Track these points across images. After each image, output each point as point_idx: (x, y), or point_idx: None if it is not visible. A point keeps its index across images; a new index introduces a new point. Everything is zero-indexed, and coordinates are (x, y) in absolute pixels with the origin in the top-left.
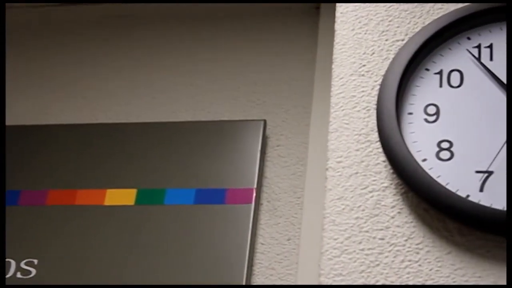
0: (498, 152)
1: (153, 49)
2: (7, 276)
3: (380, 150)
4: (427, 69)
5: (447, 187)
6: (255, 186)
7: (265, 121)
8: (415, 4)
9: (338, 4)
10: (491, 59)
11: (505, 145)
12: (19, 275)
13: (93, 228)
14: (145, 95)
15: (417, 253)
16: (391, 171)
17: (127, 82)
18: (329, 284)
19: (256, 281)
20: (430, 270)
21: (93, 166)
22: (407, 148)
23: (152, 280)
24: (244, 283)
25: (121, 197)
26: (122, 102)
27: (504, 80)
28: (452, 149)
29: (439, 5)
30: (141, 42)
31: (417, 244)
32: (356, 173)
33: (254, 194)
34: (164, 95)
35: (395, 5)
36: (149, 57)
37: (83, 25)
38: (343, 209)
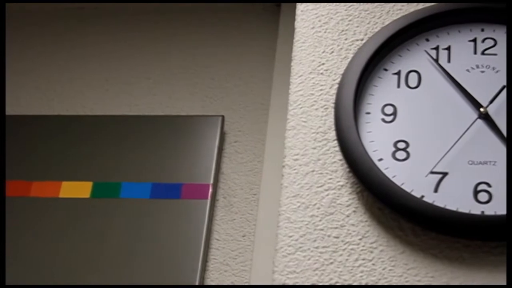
0: (453, 154)
1: (110, 41)
2: None
3: (337, 148)
4: (386, 69)
5: (402, 187)
6: (211, 181)
7: (223, 117)
8: (375, 4)
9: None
10: (448, 61)
11: (459, 146)
12: None
13: (48, 220)
14: (101, 88)
15: (371, 252)
16: (348, 170)
17: (82, 73)
18: (282, 281)
19: (210, 276)
20: (384, 269)
21: (48, 158)
22: (363, 147)
23: (106, 273)
24: (198, 279)
25: (77, 189)
26: (77, 94)
27: (461, 81)
28: (408, 149)
29: (398, 5)
30: (98, 34)
31: (371, 243)
32: (313, 171)
33: (210, 190)
34: (120, 88)
35: (355, 4)
36: (105, 49)
37: (38, 17)
38: (299, 206)
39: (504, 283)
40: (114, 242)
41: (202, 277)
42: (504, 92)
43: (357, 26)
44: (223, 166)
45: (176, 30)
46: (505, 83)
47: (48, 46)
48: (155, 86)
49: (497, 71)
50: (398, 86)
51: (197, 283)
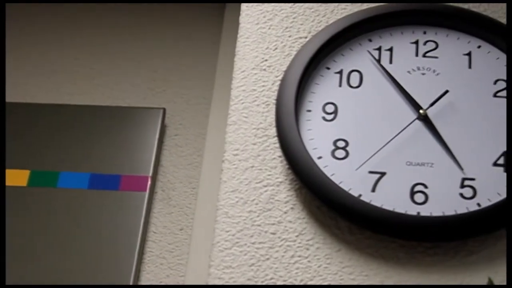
0: (392, 154)
1: (53, 30)
2: None
3: (277, 145)
4: (328, 68)
5: (340, 185)
6: (150, 174)
7: (164, 109)
8: (320, 2)
9: None
10: (390, 62)
11: (397, 147)
12: None
13: None
14: (41, 76)
15: (307, 249)
16: (287, 166)
17: (25, 61)
18: (218, 275)
19: (146, 269)
20: (319, 266)
21: None
22: (303, 145)
23: (41, 263)
24: (133, 271)
25: (14, 177)
26: (18, 82)
27: (402, 83)
28: (347, 148)
29: (343, 5)
30: (41, 23)
31: (307, 240)
32: (252, 166)
33: (149, 182)
34: (61, 77)
35: (300, 2)
36: (48, 38)
37: None
38: (237, 202)
39: (438, 283)
40: (51, 231)
41: (138, 270)
42: (446, 96)
43: (301, 24)
44: (163, 159)
45: (121, 21)
46: (447, 87)
47: None
48: (98, 76)
49: (437, 74)
50: (340, 85)
51: (132, 275)
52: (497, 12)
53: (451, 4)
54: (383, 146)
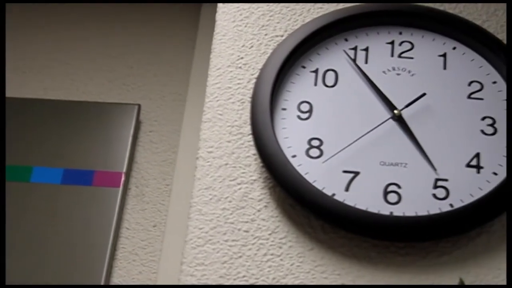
0: (366, 154)
1: (29, 25)
2: None
3: (252, 143)
4: (304, 67)
5: (314, 184)
6: (124, 170)
7: (139, 105)
8: (297, 2)
9: None
10: (366, 61)
11: (371, 147)
12: None
13: None
14: (16, 70)
15: (280, 247)
16: (261, 164)
17: None
18: (190, 272)
19: (118, 265)
20: (292, 265)
21: None
22: (278, 143)
23: (14, 258)
24: (105, 267)
25: None
26: None
27: (377, 83)
28: (322, 147)
29: (319, 4)
30: (17, 18)
31: (280, 239)
32: (226, 164)
33: (123, 178)
34: (38, 72)
35: (277, 2)
36: (24, 32)
37: None
38: (211, 199)
39: (410, 283)
40: (24, 226)
41: (110, 266)
42: (423, 99)
43: (278, 22)
44: (137, 155)
45: (96, 17)
46: (422, 87)
47: None
48: (73, 71)
49: (412, 75)
50: (315, 84)
51: (104, 272)
52: (472, 14)
53: (427, 5)
54: (354, 141)
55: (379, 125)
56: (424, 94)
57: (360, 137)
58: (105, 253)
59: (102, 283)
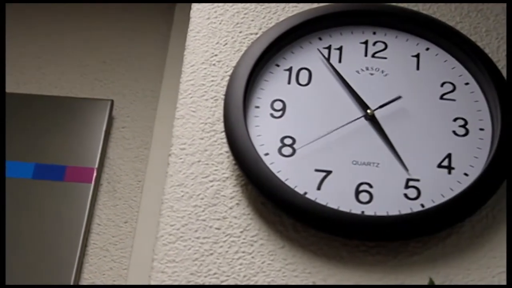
0: (338, 153)
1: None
2: None
3: (224, 140)
4: (277, 65)
5: (286, 182)
6: (96, 165)
7: (112, 101)
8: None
9: None
10: (340, 61)
11: (344, 146)
12: None
13: None
14: None
15: (251, 245)
16: (233, 162)
17: None
18: (161, 269)
19: (89, 261)
20: (263, 263)
21: None
22: (250, 141)
23: None
24: (76, 263)
25: None
26: None
27: (350, 82)
28: (294, 145)
29: (294, 3)
30: None
31: (252, 237)
32: (199, 161)
33: (95, 174)
34: (9, 66)
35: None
36: None
37: None
38: (182, 196)
39: (380, 282)
40: None
41: (81, 261)
42: (398, 102)
43: (252, 20)
44: (109, 151)
45: (69, 10)
46: (395, 88)
47: None
48: (46, 65)
49: (386, 75)
50: (289, 82)
51: (75, 267)
52: (446, 15)
53: (402, 5)
54: (325, 135)
55: (351, 122)
56: (399, 97)
57: (331, 132)
58: (76, 249)
59: (72, 278)
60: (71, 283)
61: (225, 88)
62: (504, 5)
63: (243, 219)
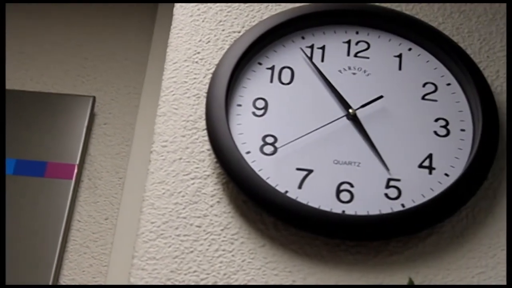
0: (320, 152)
1: None
2: None
3: (206, 138)
4: (260, 63)
5: (268, 181)
6: (77, 162)
7: (94, 97)
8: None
9: None
10: (322, 60)
11: (325, 145)
12: None
13: None
14: None
15: (232, 243)
16: (215, 160)
17: None
18: (141, 266)
19: (69, 258)
20: (243, 261)
21: None
22: (232, 139)
23: None
24: (56, 259)
25: None
26: None
27: (333, 82)
28: (276, 144)
29: (278, 2)
30: None
31: (232, 235)
32: (180, 158)
33: (76, 170)
34: None
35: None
36: None
37: None
38: (164, 193)
39: (360, 281)
40: None
41: (61, 258)
42: (380, 102)
43: (235, 18)
44: (91, 148)
45: (52, 7)
46: (377, 87)
47: None
48: (28, 61)
49: (368, 74)
50: (271, 81)
51: (55, 264)
52: (429, 16)
53: (385, 5)
54: (306, 134)
55: (332, 121)
56: (381, 97)
57: (313, 131)
58: (56, 245)
59: (52, 275)
60: (51, 280)
61: (207, 86)
62: (487, 6)
63: (224, 217)
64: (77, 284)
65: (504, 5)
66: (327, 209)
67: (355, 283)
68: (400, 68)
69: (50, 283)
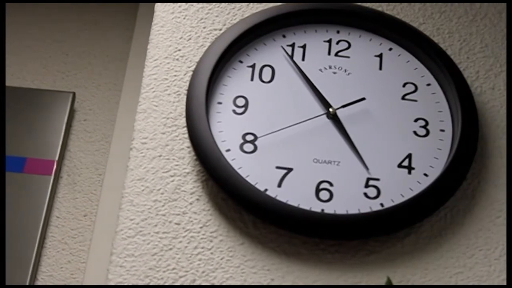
0: (300, 150)
1: None
2: None
3: (186, 135)
4: (241, 61)
5: (247, 179)
6: (56, 158)
7: (74, 93)
8: None
9: None
10: (303, 59)
11: (305, 143)
12: None
13: None
14: None
15: (211, 241)
16: (195, 157)
17: None
18: (120, 263)
19: (47, 254)
20: (221, 259)
21: None
22: (212, 136)
23: None
24: (34, 256)
25: None
26: None
27: (313, 80)
28: (256, 142)
29: (258, 2)
30: None
31: (211, 232)
32: (160, 156)
33: (55, 166)
34: None
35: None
36: None
37: None
38: (143, 190)
39: (338, 281)
40: None
41: (39, 254)
42: (362, 103)
43: (217, 16)
44: (70, 144)
45: (33, 2)
46: (357, 87)
47: None
48: (7, 56)
49: (348, 74)
50: (252, 79)
51: (33, 260)
52: (409, 16)
53: (366, 5)
54: (285, 127)
55: (311, 118)
56: (363, 99)
57: (292, 125)
58: (34, 241)
59: (30, 271)
60: (29, 276)
61: (188, 83)
62: (468, 6)
63: (203, 215)
64: (55, 281)
65: (485, 6)
66: (306, 207)
67: (333, 282)
68: (380, 68)
69: (28, 280)
